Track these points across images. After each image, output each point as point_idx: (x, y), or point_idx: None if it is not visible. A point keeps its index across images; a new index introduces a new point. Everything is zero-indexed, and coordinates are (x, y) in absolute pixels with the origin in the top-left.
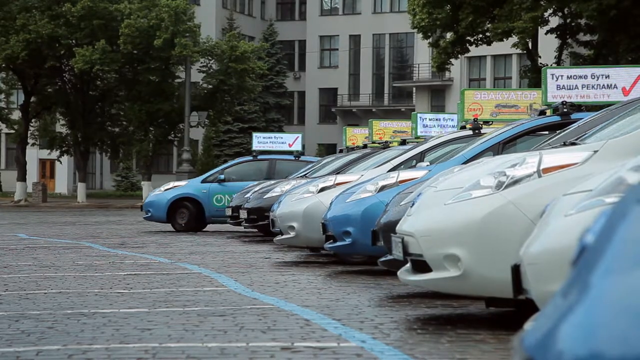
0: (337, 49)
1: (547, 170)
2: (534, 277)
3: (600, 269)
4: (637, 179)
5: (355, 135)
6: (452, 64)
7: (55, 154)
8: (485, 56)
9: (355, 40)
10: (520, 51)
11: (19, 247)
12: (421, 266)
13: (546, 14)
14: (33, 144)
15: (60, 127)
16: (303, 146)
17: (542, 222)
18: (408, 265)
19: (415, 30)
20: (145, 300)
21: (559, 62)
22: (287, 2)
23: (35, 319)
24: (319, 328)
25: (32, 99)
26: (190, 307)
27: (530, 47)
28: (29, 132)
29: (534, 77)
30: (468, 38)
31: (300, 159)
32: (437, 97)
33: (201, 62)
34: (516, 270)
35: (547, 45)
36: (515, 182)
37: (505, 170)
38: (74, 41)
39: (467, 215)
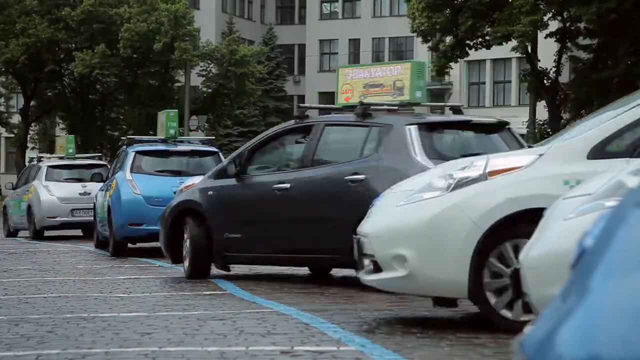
0: (337, 53)
1: (493, 173)
2: (533, 280)
3: (600, 272)
4: (637, 182)
5: None
6: (452, 68)
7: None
8: (484, 60)
9: (355, 44)
10: (520, 55)
11: (19, 250)
12: (377, 267)
13: (545, 18)
14: (33, 148)
15: (60, 131)
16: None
17: (541, 226)
18: (370, 265)
19: (415, 34)
20: (145, 304)
21: (558, 66)
22: (287, 6)
23: (34, 323)
24: (319, 332)
25: (32, 102)
26: (189, 311)
27: (529, 51)
28: (29, 136)
29: (533, 80)
30: (467, 42)
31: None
32: (437, 100)
33: (201, 66)
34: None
35: (547, 49)
36: (462, 184)
37: (453, 172)
38: (73, 45)
39: (415, 217)
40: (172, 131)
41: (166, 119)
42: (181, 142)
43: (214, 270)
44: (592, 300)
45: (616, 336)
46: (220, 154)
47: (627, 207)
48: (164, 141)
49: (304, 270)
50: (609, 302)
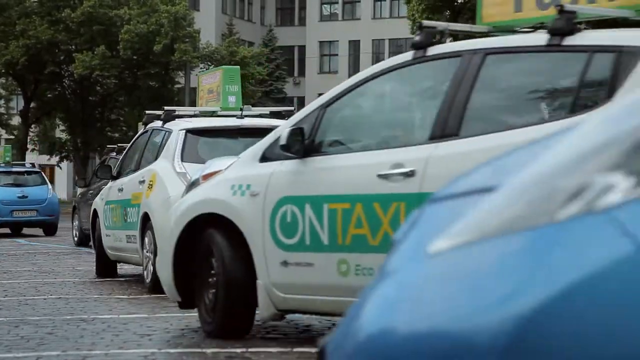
0: (337, 55)
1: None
2: None
3: (398, 259)
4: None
5: None
6: None
7: (54, 159)
8: None
9: (354, 45)
10: None
11: (19, 252)
12: None
13: None
14: (33, 150)
15: (60, 133)
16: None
17: None
18: None
19: (415, 35)
20: (145, 306)
21: None
22: (287, 7)
23: (34, 324)
24: (319, 333)
25: (32, 104)
26: (189, 312)
27: None
28: (29, 137)
29: None
30: None
31: None
32: None
33: (201, 68)
34: None
35: None
36: None
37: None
38: (73, 47)
39: None
40: (7, 158)
41: (4, 150)
42: (12, 166)
43: None
44: (388, 282)
45: (410, 311)
46: (43, 173)
47: (426, 204)
48: None
49: None
50: (402, 284)
